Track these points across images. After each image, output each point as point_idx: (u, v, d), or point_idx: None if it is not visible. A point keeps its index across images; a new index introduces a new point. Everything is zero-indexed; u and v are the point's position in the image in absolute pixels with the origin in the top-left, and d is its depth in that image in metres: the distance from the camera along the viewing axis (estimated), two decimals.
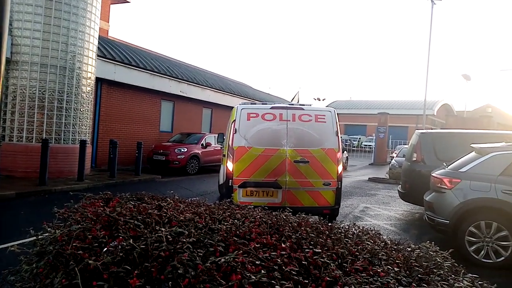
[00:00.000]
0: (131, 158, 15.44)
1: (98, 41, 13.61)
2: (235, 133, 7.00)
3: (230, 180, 6.87)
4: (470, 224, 6.04)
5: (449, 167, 6.81)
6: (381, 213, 9.70)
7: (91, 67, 12.74)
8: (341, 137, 7.50)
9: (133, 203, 2.54)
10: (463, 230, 6.07)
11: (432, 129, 11.81)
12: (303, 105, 7.84)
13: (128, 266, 1.50)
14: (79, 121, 12.37)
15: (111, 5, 22.57)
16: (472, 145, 6.97)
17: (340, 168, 7.20)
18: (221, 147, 10.33)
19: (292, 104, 7.88)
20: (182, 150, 15.88)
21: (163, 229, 1.83)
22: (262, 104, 7.90)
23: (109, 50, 15.55)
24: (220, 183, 7.71)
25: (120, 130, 16.29)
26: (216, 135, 11.22)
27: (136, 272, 1.44)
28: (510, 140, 6.84)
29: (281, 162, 6.94)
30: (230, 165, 6.93)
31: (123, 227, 1.93)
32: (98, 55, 13.75)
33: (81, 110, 12.41)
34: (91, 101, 13.02)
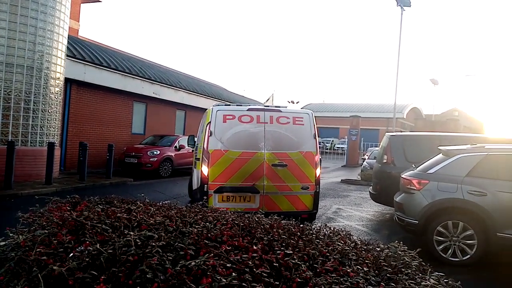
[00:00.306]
0: (102, 160, 15.10)
1: (68, 41, 13.25)
2: (210, 135, 6.76)
3: (205, 185, 6.62)
4: (438, 224, 6.21)
5: (417, 169, 6.99)
6: (353, 214, 9.86)
7: (60, 67, 12.38)
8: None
9: (101, 206, 2.48)
10: (432, 230, 6.23)
11: (401, 132, 12.11)
12: (280, 107, 7.64)
13: (94, 272, 1.45)
14: (47, 122, 11.99)
15: (81, 4, 22.04)
16: (439, 147, 7.19)
17: (318, 171, 7.14)
18: (192, 150, 9.96)
19: (269, 106, 7.68)
20: (155, 152, 15.64)
21: (132, 233, 1.79)
22: (238, 105, 7.67)
23: (79, 50, 15.18)
24: (194, 188, 7.31)
25: (90, 132, 15.90)
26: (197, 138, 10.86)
27: (102, 277, 1.40)
28: (475, 143, 7.09)
29: (259, 166, 6.77)
30: (205, 169, 6.68)
31: (90, 231, 1.87)
32: (67, 55, 13.39)
33: (49, 111, 12.04)
34: (59, 102, 12.65)
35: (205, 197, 5.69)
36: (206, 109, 7.99)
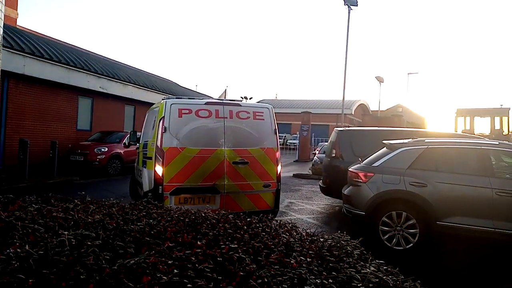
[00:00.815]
0: (45, 158, 14.29)
1: (4, 30, 12.33)
2: (164, 131, 6.22)
3: (160, 187, 6.10)
4: (383, 215, 6.47)
5: (363, 162, 7.24)
6: (304, 207, 10.05)
7: None
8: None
9: (36, 206, 2.32)
10: (377, 221, 6.48)
11: (349, 127, 12.51)
12: (237, 100, 7.31)
13: (22, 275, 1.35)
14: None
15: None
16: (383, 141, 7.49)
17: (279, 168, 6.92)
18: (136, 148, 9.22)
19: (228, 100, 7.25)
20: (103, 149, 15.05)
21: (66, 232, 1.69)
22: (195, 99, 7.14)
23: (17, 40, 14.20)
24: (145, 190, 6.65)
25: (31, 128, 14.97)
26: (140, 134, 9.81)
27: (31, 281, 1.31)
28: (416, 137, 7.46)
29: (219, 164, 6.41)
30: (159, 169, 6.15)
31: (21, 232, 1.74)
32: (3, 46, 12.46)
33: None
34: None
35: (158, 200, 5.25)
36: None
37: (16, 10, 20.33)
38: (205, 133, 6.50)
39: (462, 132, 23.11)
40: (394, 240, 6.36)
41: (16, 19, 20.07)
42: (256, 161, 6.67)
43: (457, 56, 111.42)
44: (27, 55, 14.13)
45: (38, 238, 1.69)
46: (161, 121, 6.32)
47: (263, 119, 6.91)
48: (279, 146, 7.05)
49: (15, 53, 13.65)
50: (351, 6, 22.11)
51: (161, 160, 6.18)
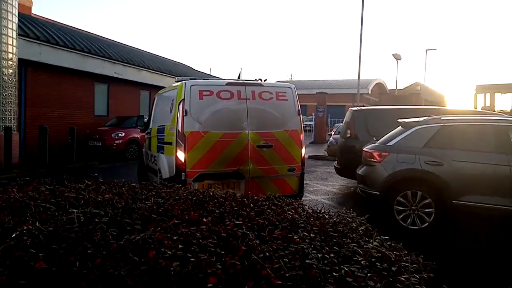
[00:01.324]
0: (64, 144, 14.62)
1: (19, 19, 12.54)
2: (185, 115, 5.89)
3: (183, 173, 5.82)
4: (398, 194, 6.43)
5: (378, 142, 7.17)
6: (319, 188, 10.06)
7: (11, 47, 11.72)
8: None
9: (49, 187, 2.40)
10: (392, 200, 6.45)
11: (364, 106, 12.34)
12: (258, 80, 6.93)
13: (33, 250, 1.42)
14: (2, 106, 11.43)
15: None
16: (398, 120, 7.38)
17: (303, 151, 6.67)
18: (146, 133, 8.80)
19: (249, 80, 6.83)
20: (120, 134, 15.29)
21: (75, 210, 1.75)
22: (215, 80, 6.76)
23: (33, 29, 14.40)
24: (163, 177, 6.38)
25: (50, 115, 15.29)
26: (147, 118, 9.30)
27: (41, 255, 1.37)
28: (432, 114, 7.33)
29: (243, 148, 6.12)
30: (181, 155, 5.88)
31: (33, 211, 1.81)
32: (20, 35, 12.68)
33: (4, 94, 11.46)
34: (14, 84, 12.04)
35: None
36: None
37: None
38: (227, 115, 6.19)
39: (481, 109, 22.54)
40: (409, 219, 6.34)
41: (31, 8, 20.30)
42: (281, 144, 6.41)
43: (476, 31, 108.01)
44: (43, 43, 14.33)
45: (49, 216, 1.76)
46: (181, 104, 5.98)
47: (286, 100, 6.59)
48: (303, 128, 6.76)
49: (31, 41, 13.87)
50: None
51: (182, 145, 5.89)
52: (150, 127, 8.27)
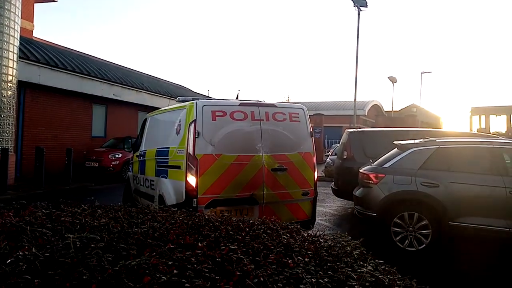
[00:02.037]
0: (60, 166, 14.59)
1: (20, 42, 12.71)
2: (197, 137, 5.55)
3: (194, 200, 5.47)
4: (395, 216, 6.42)
5: (374, 163, 7.21)
6: (317, 210, 10.02)
7: (12, 70, 11.85)
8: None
9: (45, 211, 2.41)
10: (389, 222, 6.44)
11: (360, 128, 12.44)
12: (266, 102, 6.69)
13: (29, 276, 1.42)
14: (0, 128, 11.46)
15: (35, 4, 21.18)
16: (394, 142, 7.45)
17: (316, 174, 6.46)
18: (136, 155, 8.44)
19: (261, 101, 6.67)
20: (117, 155, 15.30)
21: (71, 235, 1.76)
22: (228, 100, 6.55)
23: (33, 51, 14.58)
24: (171, 203, 5.89)
25: (48, 136, 15.31)
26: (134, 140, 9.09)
27: (37, 281, 1.38)
28: (428, 137, 7.40)
29: (258, 171, 5.85)
30: (192, 180, 5.53)
31: (29, 236, 1.82)
32: (20, 57, 12.84)
33: (2, 116, 11.51)
34: (13, 106, 12.11)
35: None
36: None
37: (32, 22, 20.84)
38: (241, 137, 5.90)
39: (477, 131, 22.73)
40: (407, 241, 6.31)
41: (32, 31, 20.58)
42: (295, 167, 6.16)
43: (471, 54, 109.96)
44: (42, 65, 14.49)
45: (45, 241, 1.77)
46: (192, 125, 5.65)
47: (299, 121, 6.40)
48: (315, 150, 6.58)
49: (31, 63, 14.02)
50: (360, 8, 22.05)
51: (194, 169, 5.54)
52: (143, 149, 7.93)
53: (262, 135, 5.97)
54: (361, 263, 1.92)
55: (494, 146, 6.56)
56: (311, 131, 6.49)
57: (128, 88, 19.41)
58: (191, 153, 5.58)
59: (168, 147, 6.46)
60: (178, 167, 5.89)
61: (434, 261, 5.91)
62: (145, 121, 8.56)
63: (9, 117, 11.88)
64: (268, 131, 6.04)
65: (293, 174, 6.14)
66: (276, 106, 6.38)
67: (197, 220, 2.37)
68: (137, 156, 8.28)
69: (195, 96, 27.49)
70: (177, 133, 6.18)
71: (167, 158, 6.44)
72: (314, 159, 6.45)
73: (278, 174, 5.99)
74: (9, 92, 11.82)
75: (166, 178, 6.38)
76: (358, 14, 22.26)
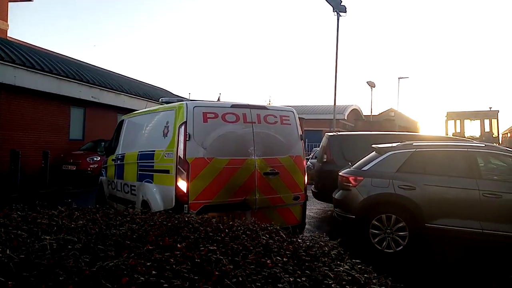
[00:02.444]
0: (37, 169, 14.23)
1: None
2: (188, 139, 5.32)
3: (185, 206, 5.24)
4: (373, 218, 6.52)
5: (353, 166, 7.31)
6: None
7: None
8: None
9: (21, 213, 2.37)
10: (367, 224, 6.54)
11: (339, 132, 12.61)
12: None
13: (3, 278, 1.39)
14: None
15: (9, 3, 20.66)
16: (373, 145, 7.58)
17: (306, 178, 6.39)
18: (111, 159, 8.02)
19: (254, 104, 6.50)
20: (95, 158, 15.01)
21: (48, 237, 1.74)
22: (218, 101, 6.55)
23: (8, 52, 14.19)
24: (159, 210, 5.41)
25: (23, 139, 14.91)
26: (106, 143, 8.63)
27: (10, 283, 1.35)
28: (405, 140, 7.56)
29: (250, 175, 5.68)
30: (183, 184, 5.29)
31: (3, 238, 1.79)
32: None
33: None
34: None
35: None
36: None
37: (7, 22, 20.33)
38: (233, 140, 5.73)
39: (452, 135, 23.34)
40: (385, 243, 6.41)
41: (6, 31, 20.07)
42: (286, 171, 6.04)
43: (447, 60, 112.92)
44: (18, 66, 14.13)
45: (20, 243, 1.74)
46: (183, 127, 5.41)
47: (290, 124, 6.31)
48: (305, 154, 6.43)
49: (6, 64, 13.64)
50: (340, 13, 22.38)
51: (185, 173, 5.29)
52: (120, 152, 7.59)
53: (254, 138, 5.81)
54: (338, 262, 1.96)
55: (468, 150, 6.75)
56: (301, 134, 6.40)
57: (107, 91, 19.12)
58: (182, 156, 5.35)
59: (154, 150, 6.15)
60: (167, 171, 5.62)
61: (411, 262, 6.03)
62: (121, 123, 8.23)
63: None
64: (260, 134, 5.89)
65: (284, 178, 6.01)
66: (268, 109, 6.27)
67: (176, 221, 2.37)
68: (112, 160, 7.88)
69: (178, 98, 27.28)
70: (164, 135, 5.90)
71: (152, 162, 6.15)
72: (305, 162, 6.32)
73: (270, 178, 5.85)
74: None
75: (151, 183, 6.08)
76: (338, 19, 22.60)
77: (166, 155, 5.75)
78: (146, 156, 6.40)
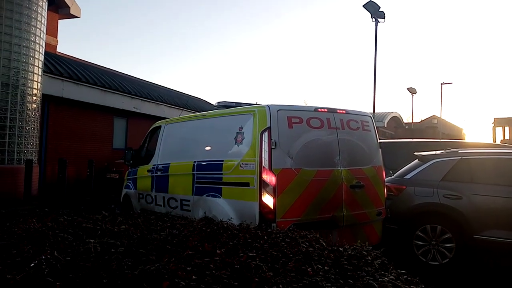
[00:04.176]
0: (82, 177, 14.86)
1: (45, 57, 13.11)
2: (273, 147, 4.69)
3: (273, 225, 4.41)
4: (417, 229, 6.29)
5: (395, 175, 7.10)
6: None
7: (36, 84, 12.22)
8: None
9: (67, 218, 2.46)
10: (411, 235, 6.31)
11: (380, 139, 12.26)
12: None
13: (51, 279, 1.45)
14: (25, 140, 11.77)
15: (59, 20, 21.89)
16: (415, 153, 7.33)
17: (385, 191, 5.88)
18: (148, 170, 7.16)
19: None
20: None
21: (92, 240, 1.79)
22: (299, 105, 5.67)
23: (57, 66, 15.02)
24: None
25: (70, 148, 15.64)
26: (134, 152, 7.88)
27: (58, 283, 1.40)
28: (449, 148, 7.26)
29: (337, 189, 5.07)
30: (269, 200, 4.62)
31: (52, 241, 1.86)
32: (44, 71, 13.22)
33: (27, 128, 11.83)
34: (37, 118, 12.44)
35: None
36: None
37: (56, 38, 21.53)
38: (319, 148, 5.13)
39: (501, 142, 22.16)
40: (429, 255, 6.16)
41: (56, 46, 21.24)
42: (371, 183, 5.47)
43: (492, 64, 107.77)
44: (66, 79, 14.90)
45: (67, 246, 1.80)
46: (266, 133, 4.76)
47: (370, 130, 5.74)
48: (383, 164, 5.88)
49: (54, 77, 14.44)
50: (378, 19, 21.99)
51: (271, 186, 4.63)
52: (160, 162, 6.82)
53: (340, 145, 5.22)
54: (383, 272, 1.88)
55: None
56: (380, 142, 5.87)
57: (148, 101, 19.75)
58: (267, 167, 4.70)
59: (222, 160, 5.43)
60: (245, 184, 4.94)
61: (458, 275, 5.73)
62: (156, 129, 7.57)
63: (33, 130, 12.22)
64: (345, 141, 5.29)
65: (369, 191, 5.44)
66: (349, 113, 5.60)
67: (215, 227, 2.38)
68: (148, 170, 7.10)
69: (212, 109, 27.66)
70: (238, 143, 5.24)
71: (220, 174, 5.41)
72: (384, 174, 5.86)
73: (356, 191, 5.26)
74: (34, 106, 12.17)
75: (218, 197, 5.34)
76: (376, 25, 22.20)
77: (242, 165, 5.07)
78: (209, 167, 5.63)
